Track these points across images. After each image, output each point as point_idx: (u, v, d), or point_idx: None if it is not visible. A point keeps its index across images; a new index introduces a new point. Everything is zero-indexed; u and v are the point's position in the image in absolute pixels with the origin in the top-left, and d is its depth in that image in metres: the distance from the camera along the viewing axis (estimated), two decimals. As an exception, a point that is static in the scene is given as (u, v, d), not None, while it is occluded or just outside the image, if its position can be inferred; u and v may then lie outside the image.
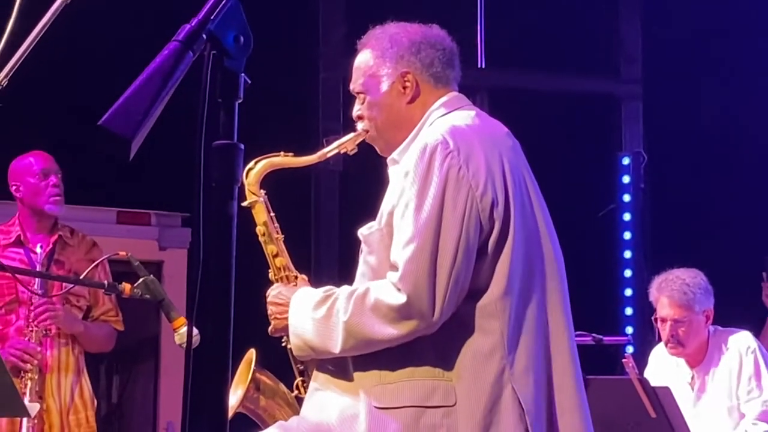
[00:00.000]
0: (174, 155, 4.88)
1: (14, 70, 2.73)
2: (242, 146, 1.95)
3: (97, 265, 4.73)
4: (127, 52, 4.75)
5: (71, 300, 5.43)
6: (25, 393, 5.08)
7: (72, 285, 5.03)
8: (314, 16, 7.79)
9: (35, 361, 5.17)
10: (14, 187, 5.46)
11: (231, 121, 1.94)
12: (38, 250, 5.33)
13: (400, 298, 3.00)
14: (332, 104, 7.55)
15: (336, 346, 3.09)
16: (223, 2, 1.94)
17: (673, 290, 5.33)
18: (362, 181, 5.40)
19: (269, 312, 3.33)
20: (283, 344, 3.42)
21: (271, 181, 3.62)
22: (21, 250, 5.41)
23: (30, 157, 5.48)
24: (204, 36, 1.92)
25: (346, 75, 3.46)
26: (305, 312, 3.17)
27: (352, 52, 3.45)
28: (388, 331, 3.02)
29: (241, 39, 1.96)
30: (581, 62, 8.09)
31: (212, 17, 1.93)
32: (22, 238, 5.42)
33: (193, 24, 1.92)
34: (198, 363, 1.95)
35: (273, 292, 3.36)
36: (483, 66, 7.87)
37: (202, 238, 1.90)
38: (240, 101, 1.95)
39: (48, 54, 3.06)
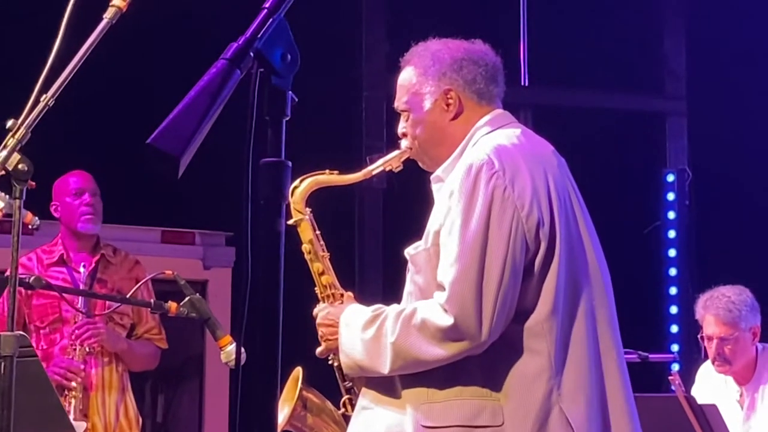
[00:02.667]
0: (218, 174, 4.89)
1: (61, 89, 2.74)
2: (290, 164, 1.94)
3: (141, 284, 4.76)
4: (175, 71, 4.77)
5: (115, 318, 5.46)
6: (69, 411, 5.08)
7: (118, 304, 5.05)
8: (357, 35, 7.79)
9: (79, 379, 5.19)
10: (54, 207, 5.50)
11: (278, 139, 1.94)
12: (81, 269, 5.36)
13: (448, 320, 2.99)
14: (376, 122, 7.54)
15: (385, 367, 3.09)
16: (270, 20, 1.94)
17: (719, 308, 5.29)
18: (406, 199, 5.40)
19: (320, 334, 3.33)
20: (330, 362, 3.42)
21: (315, 199, 3.62)
22: (64, 269, 5.44)
23: (69, 177, 5.53)
24: (251, 54, 1.92)
25: (390, 93, 3.46)
26: (355, 332, 3.17)
27: (395, 71, 3.44)
28: (437, 352, 3.01)
29: (288, 57, 1.96)
30: (625, 78, 8.05)
31: (259, 35, 1.93)
32: (65, 257, 5.46)
33: (240, 42, 1.93)
34: (245, 381, 1.95)
35: (321, 313, 3.36)
36: (526, 83, 7.84)
37: (250, 255, 1.89)
38: (287, 119, 1.95)
39: (94, 73, 3.08)
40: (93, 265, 5.44)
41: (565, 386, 3.03)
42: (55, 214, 5.48)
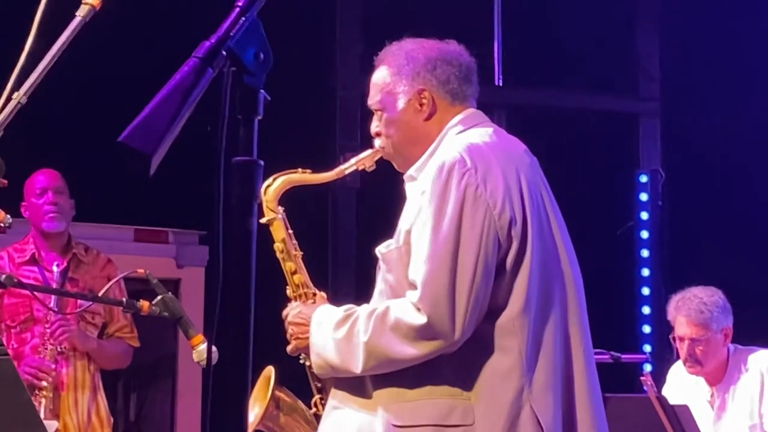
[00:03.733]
0: (191, 173, 4.88)
1: (34, 87, 2.73)
2: (262, 163, 1.94)
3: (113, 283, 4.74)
4: (146, 69, 4.76)
5: (87, 317, 5.44)
6: (38, 411, 5.06)
7: (90, 302, 5.03)
8: (331, 35, 7.79)
9: (50, 379, 5.17)
10: (23, 207, 5.48)
11: (251, 138, 1.94)
12: (54, 268, 5.34)
13: (421, 319, 2.99)
14: (349, 122, 7.55)
15: (357, 367, 3.08)
16: (243, 19, 1.94)
17: (690, 309, 5.31)
18: (379, 198, 5.40)
19: (290, 332, 3.33)
20: (301, 362, 3.42)
21: (288, 198, 3.62)
22: (36, 269, 5.42)
23: (36, 176, 5.52)
24: (224, 52, 1.91)
25: (364, 93, 3.46)
26: (326, 332, 3.17)
27: (369, 71, 3.44)
28: (409, 351, 3.01)
29: (261, 55, 1.95)
30: (599, 80, 8.08)
31: (232, 34, 1.92)
32: (36, 256, 5.44)
33: (212, 40, 1.92)
34: (217, 380, 1.94)
35: (293, 312, 3.36)
36: (500, 83, 7.85)
37: (222, 254, 1.89)
38: (260, 118, 1.95)
39: (66, 71, 3.07)
40: (65, 264, 5.42)
41: (536, 385, 3.03)
42: (25, 215, 5.47)
